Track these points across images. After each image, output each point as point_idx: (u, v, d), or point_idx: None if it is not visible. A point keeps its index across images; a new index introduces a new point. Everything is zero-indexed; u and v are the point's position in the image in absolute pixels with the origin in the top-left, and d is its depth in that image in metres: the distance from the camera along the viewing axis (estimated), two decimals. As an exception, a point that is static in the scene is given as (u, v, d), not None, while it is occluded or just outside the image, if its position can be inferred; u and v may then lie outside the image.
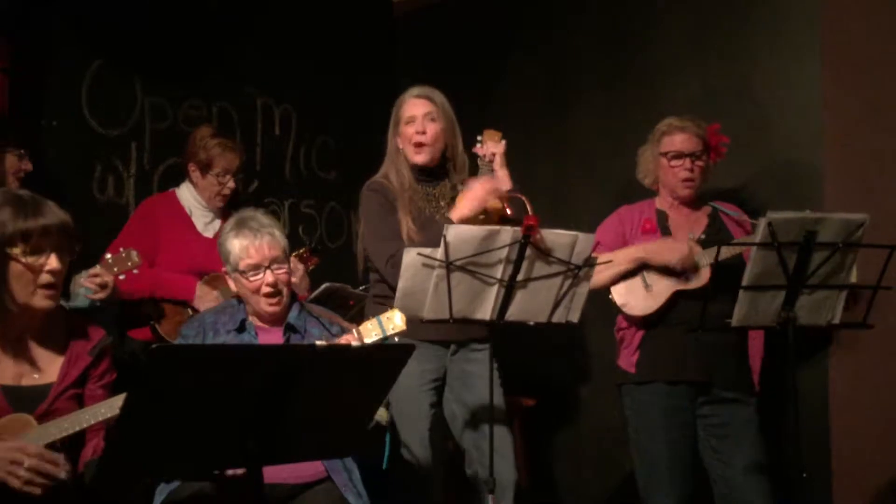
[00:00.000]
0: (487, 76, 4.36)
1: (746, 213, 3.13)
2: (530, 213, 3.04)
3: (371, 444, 2.57)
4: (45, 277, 2.11)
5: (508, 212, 3.08)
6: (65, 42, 3.57)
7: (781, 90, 3.41)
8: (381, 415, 2.53)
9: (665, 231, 3.10)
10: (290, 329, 2.63)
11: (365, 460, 2.64)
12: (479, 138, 3.03)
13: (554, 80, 4.19)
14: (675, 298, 2.99)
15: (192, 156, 3.40)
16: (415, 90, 3.09)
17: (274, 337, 2.63)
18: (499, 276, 2.55)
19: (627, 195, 3.80)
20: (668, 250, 2.97)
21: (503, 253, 2.53)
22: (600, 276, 2.95)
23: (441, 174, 3.09)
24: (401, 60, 4.76)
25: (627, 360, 3.08)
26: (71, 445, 2.16)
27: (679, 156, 3.05)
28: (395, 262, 2.82)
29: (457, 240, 2.49)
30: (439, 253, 2.49)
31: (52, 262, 2.11)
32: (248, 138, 4.14)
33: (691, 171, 3.05)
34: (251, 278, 2.57)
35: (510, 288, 2.56)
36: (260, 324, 2.65)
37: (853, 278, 2.58)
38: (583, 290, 2.65)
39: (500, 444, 2.83)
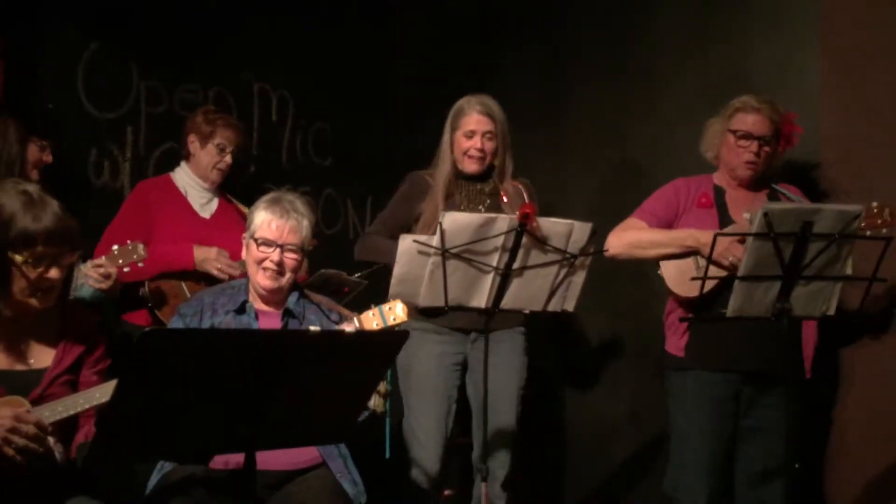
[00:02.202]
0: (485, 66, 4.34)
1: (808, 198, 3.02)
2: (527, 201, 3.04)
3: (367, 433, 2.58)
4: (44, 284, 2.12)
5: (505, 199, 3.08)
6: (61, 25, 3.56)
7: (779, 81, 3.40)
8: (378, 404, 2.54)
9: (721, 207, 2.98)
10: (288, 314, 2.64)
11: (360, 446, 2.64)
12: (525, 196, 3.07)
13: (552, 71, 4.17)
14: (725, 285, 2.78)
15: (193, 127, 3.41)
16: (478, 105, 3.16)
17: (273, 321, 2.63)
18: (494, 264, 2.55)
19: (625, 186, 3.81)
20: (721, 254, 2.74)
21: (499, 241, 2.53)
22: (647, 251, 2.92)
23: (487, 175, 3.19)
24: (398, 49, 4.74)
25: (675, 343, 2.97)
26: (64, 431, 2.16)
27: (747, 136, 2.92)
28: (365, 238, 3.28)
29: (453, 227, 2.49)
30: (435, 240, 2.49)
31: (53, 272, 2.11)
32: (245, 124, 4.11)
33: (756, 154, 2.92)
34: (260, 249, 2.59)
35: (506, 276, 2.57)
36: (260, 307, 2.65)
37: (848, 270, 2.58)
38: (578, 280, 2.65)
39: (501, 432, 2.86)
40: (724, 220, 2.94)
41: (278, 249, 2.58)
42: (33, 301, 2.12)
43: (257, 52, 4.20)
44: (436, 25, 4.64)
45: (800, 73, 3.36)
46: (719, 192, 3.02)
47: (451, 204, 3.09)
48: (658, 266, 2.97)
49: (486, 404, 2.73)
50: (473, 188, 3.18)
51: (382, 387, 2.56)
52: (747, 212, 2.84)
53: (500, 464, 3.06)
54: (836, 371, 3.22)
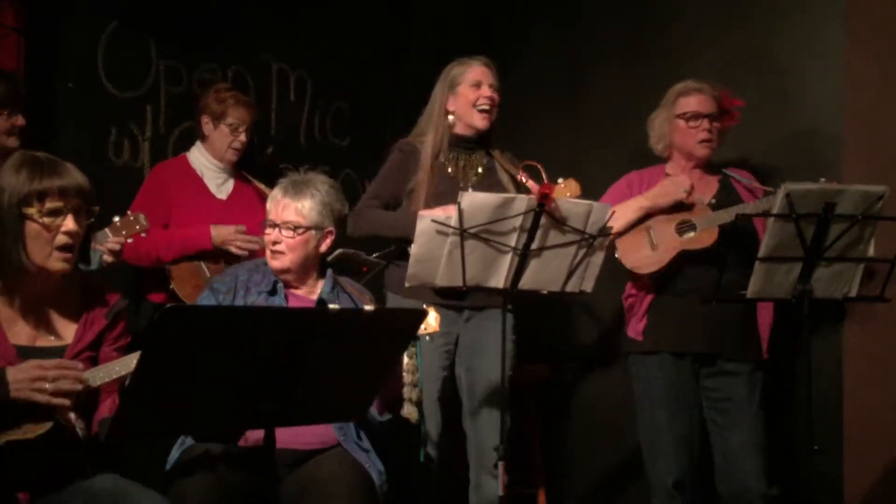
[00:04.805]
0: (504, 44, 4.32)
1: (759, 181, 3.09)
2: (545, 181, 3.02)
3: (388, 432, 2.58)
4: (61, 238, 2.11)
5: (523, 179, 3.07)
6: (80, 4, 3.57)
7: (803, 59, 3.36)
8: (412, 413, 2.55)
9: None
10: (320, 304, 2.62)
11: (390, 447, 2.65)
12: (560, 181, 2.90)
13: (571, 52, 4.14)
14: (683, 263, 2.95)
15: (205, 107, 3.41)
16: (479, 58, 3.09)
17: (304, 304, 2.63)
18: (513, 244, 2.54)
19: (644, 165, 3.77)
20: (671, 185, 2.96)
21: (518, 221, 2.52)
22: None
23: (479, 144, 3.13)
24: (417, 29, 4.71)
25: (634, 327, 3.07)
26: (86, 407, 2.18)
27: (697, 116, 3.02)
28: (357, 213, 3.03)
29: (471, 207, 2.49)
30: (453, 220, 2.49)
31: (69, 223, 2.11)
32: (263, 104, 4.13)
33: (709, 131, 3.02)
34: (266, 230, 2.62)
35: (524, 256, 2.56)
36: (292, 290, 2.65)
37: (871, 251, 2.56)
38: (597, 260, 2.65)
39: (493, 412, 2.86)
40: (681, 206, 3.00)
41: (276, 229, 2.59)
42: (53, 261, 2.11)
43: (276, 31, 4.20)
44: (455, 5, 4.61)
45: (824, 49, 3.31)
46: None
47: (444, 177, 3.03)
48: (615, 250, 3.03)
49: (504, 382, 2.73)
50: (467, 159, 3.10)
51: (414, 394, 2.56)
52: (701, 197, 2.99)
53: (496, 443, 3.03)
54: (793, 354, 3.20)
